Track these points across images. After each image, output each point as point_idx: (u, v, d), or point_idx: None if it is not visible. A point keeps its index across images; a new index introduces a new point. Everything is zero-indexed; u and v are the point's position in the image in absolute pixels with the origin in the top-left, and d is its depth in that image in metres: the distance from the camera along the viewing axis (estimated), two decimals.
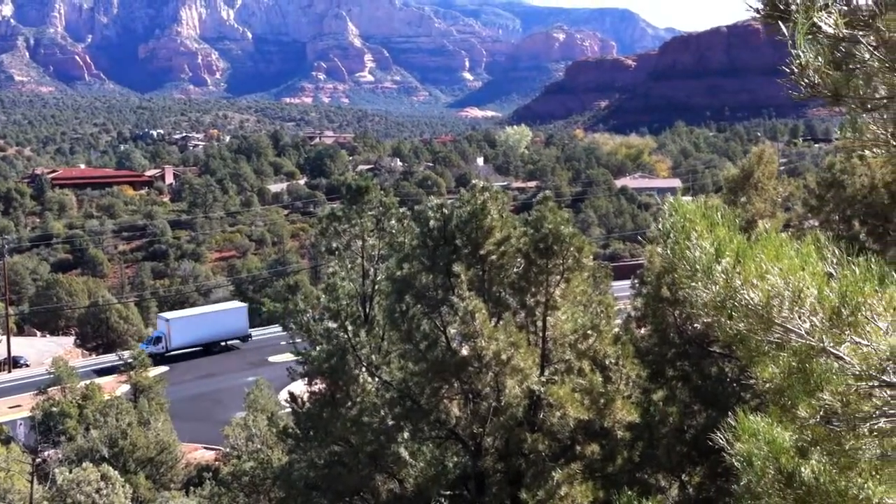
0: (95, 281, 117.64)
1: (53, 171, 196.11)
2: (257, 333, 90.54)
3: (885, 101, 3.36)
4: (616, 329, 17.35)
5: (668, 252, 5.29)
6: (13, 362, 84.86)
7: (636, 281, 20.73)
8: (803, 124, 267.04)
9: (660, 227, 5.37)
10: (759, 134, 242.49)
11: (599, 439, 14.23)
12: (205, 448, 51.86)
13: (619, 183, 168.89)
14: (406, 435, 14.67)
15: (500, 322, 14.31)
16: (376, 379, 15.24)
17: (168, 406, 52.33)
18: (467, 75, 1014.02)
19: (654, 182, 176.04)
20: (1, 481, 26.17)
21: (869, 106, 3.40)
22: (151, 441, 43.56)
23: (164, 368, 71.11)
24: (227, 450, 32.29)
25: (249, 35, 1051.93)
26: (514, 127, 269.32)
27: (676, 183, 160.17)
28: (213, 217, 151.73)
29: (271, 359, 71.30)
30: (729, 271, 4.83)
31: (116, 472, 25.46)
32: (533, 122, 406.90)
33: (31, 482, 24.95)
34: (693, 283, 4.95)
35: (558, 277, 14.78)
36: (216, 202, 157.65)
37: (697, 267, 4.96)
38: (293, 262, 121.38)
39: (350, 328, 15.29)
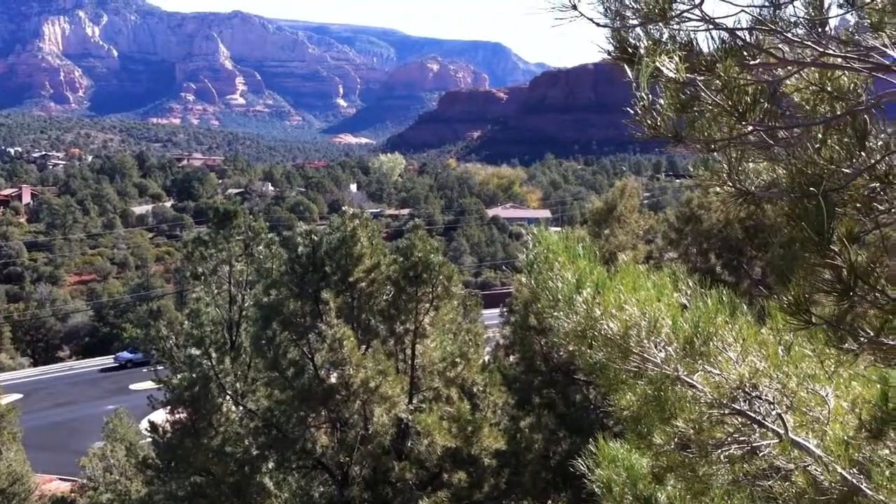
0: None
1: None
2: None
3: (725, 141, 3.54)
4: (486, 356, 17.56)
5: (533, 282, 5.41)
6: None
7: (505, 309, 21.04)
8: (665, 160, 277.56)
9: (525, 257, 5.49)
10: (624, 168, 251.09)
11: (467, 467, 14.32)
12: (60, 479, 49.52)
13: (490, 212, 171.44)
14: (271, 465, 14.40)
15: (369, 349, 14.27)
16: (241, 407, 14.92)
17: (22, 435, 49.75)
18: (341, 101, 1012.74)
19: (524, 212, 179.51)
20: None
21: (712, 147, 3.58)
22: (3, 471, 41.28)
23: (17, 395, 67.70)
24: (84, 481, 30.90)
25: (115, 53, 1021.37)
26: (388, 154, 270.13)
27: (546, 213, 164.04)
28: (73, 239, 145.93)
29: (132, 386, 68.91)
30: (589, 302, 4.97)
31: None
32: (407, 150, 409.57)
33: None
34: (555, 313, 5.07)
35: (427, 305, 14.87)
36: (76, 223, 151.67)
37: (559, 297, 5.08)
38: (158, 286, 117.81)
39: (214, 355, 14.93)
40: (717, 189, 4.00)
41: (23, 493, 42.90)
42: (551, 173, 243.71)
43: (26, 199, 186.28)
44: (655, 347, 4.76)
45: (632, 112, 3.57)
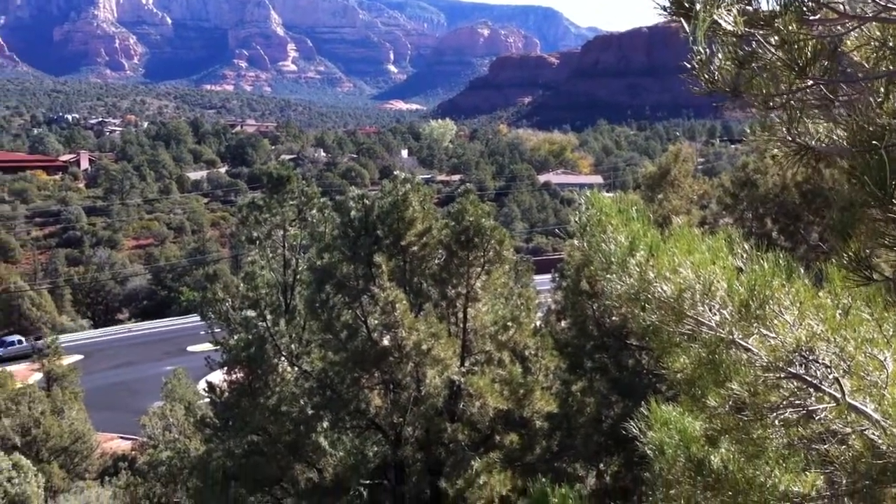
0: (7, 267, 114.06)
1: None
2: (175, 323, 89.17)
3: (784, 96, 3.50)
4: (537, 321, 17.59)
5: (585, 245, 5.40)
6: None
7: (556, 275, 21.01)
8: (720, 125, 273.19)
9: (577, 220, 5.48)
10: (678, 133, 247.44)
11: (518, 429, 14.42)
12: (121, 438, 50.89)
13: (541, 178, 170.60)
14: (325, 424, 14.64)
15: (421, 313, 14.39)
16: (296, 368, 15.17)
17: (83, 395, 51.15)
18: (392, 68, 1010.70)
19: (576, 178, 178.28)
20: None
21: (770, 103, 3.53)
22: (66, 430, 42.52)
23: (78, 357, 69.47)
24: (144, 440, 31.75)
25: (169, 20, 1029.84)
26: (439, 120, 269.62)
27: (598, 179, 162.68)
28: (131, 204, 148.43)
29: (190, 348, 70.28)
30: (643, 264, 4.96)
31: (29, 462, 24.83)
32: (457, 116, 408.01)
33: None
34: (608, 276, 5.07)
35: (479, 269, 14.91)
36: (133, 189, 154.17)
37: (612, 260, 5.07)
38: (213, 251, 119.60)
39: (269, 317, 15.17)
40: (776, 147, 3.96)
41: (85, 451, 44.19)
42: (603, 139, 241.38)
43: (84, 164, 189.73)
44: (710, 310, 4.73)
45: (689, 67, 3.53)
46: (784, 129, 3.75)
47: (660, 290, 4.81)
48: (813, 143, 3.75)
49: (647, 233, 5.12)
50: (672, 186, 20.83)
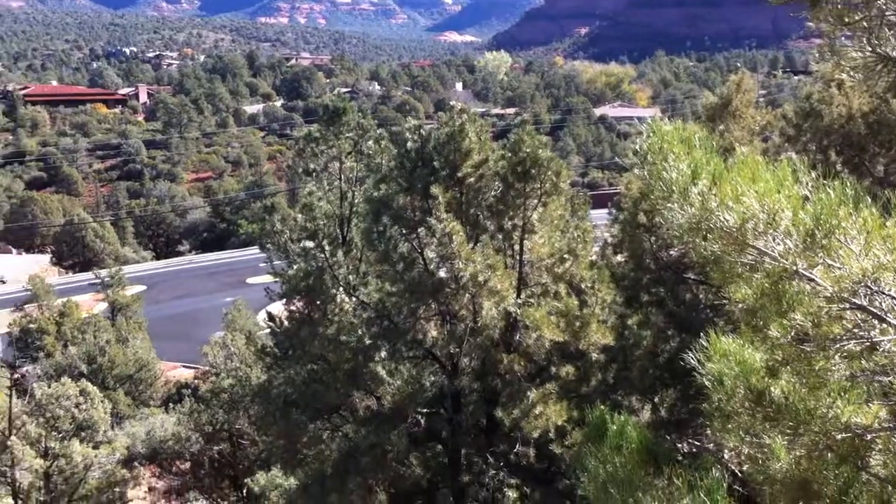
0: (70, 199, 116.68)
1: (25, 88, 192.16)
2: (235, 255, 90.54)
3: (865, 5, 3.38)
4: (593, 255, 17.51)
5: (646, 174, 5.34)
6: None
7: (613, 208, 20.83)
8: (783, 56, 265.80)
9: (638, 148, 5.41)
10: (738, 65, 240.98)
11: (574, 361, 14.48)
12: (183, 366, 52.27)
13: (598, 111, 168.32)
14: (383, 354, 14.85)
15: (478, 244, 14.41)
16: (353, 299, 15.35)
17: (146, 325, 52.55)
18: None
19: (633, 111, 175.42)
20: None
21: (846, 19, 3.43)
22: (130, 358, 43.82)
23: (142, 287, 71.13)
24: (206, 368, 32.57)
25: None
26: (494, 52, 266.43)
27: (655, 112, 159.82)
28: (189, 137, 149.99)
29: (249, 280, 71.50)
30: (705, 193, 4.89)
31: (95, 388, 25.66)
32: (512, 47, 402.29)
33: (10, 396, 25.09)
34: (669, 205, 5.01)
35: (536, 201, 14.84)
36: (191, 122, 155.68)
37: (674, 188, 5.01)
38: (270, 184, 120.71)
39: (327, 248, 15.32)
40: (846, 73, 3.84)
41: (149, 379, 45.52)
42: (662, 71, 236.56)
43: (143, 98, 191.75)
44: (773, 240, 4.67)
45: None
46: (864, 39, 3.62)
47: (722, 219, 4.75)
48: (894, 53, 3.62)
49: (709, 161, 5.04)
50: (733, 117, 20.38)
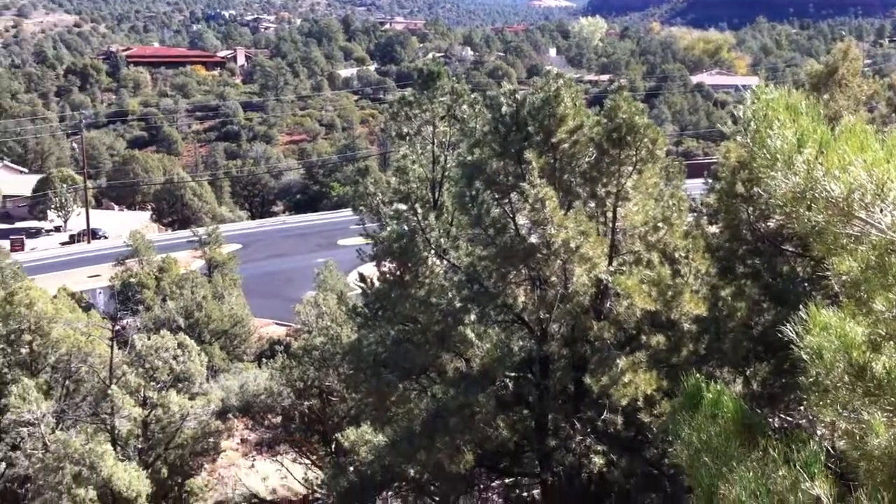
0: (170, 158, 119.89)
1: (128, 49, 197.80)
2: (326, 217, 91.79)
3: None
4: (687, 224, 17.23)
5: (749, 140, 5.25)
6: (92, 234, 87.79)
7: (709, 177, 20.44)
8: (890, 25, 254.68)
9: (741, 115, 5.32)
10: (843, 33, 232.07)
11: (665, 331, 14.35)
12: (276, 324, 53.48)
13: (694, 79, 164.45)
14: (473, 317, 14.96)
15: (570, 211, 14.35)
16: (444, 262, 15.48)
17: (241, 282, 53.85)
18: None
19: (731, 79, 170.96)
20: (83, 345, 27.43)
21: None
22: (225, 314, 45.08)
23: (237, 246, 72.79)
24: (298, 326, 33.29)
25: None
26: (589, 18, 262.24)
27: (755, 81, 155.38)
28: (284, 100, 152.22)
29: (340, 242, 72.47)
30: (811, 162, 4.79)
31: (192, 342, 26.49)
32: (608, 13, 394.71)
33: (112, 347, 26.11)
34: (772, 173, 4.92)
35: (630, 168, 14.68)
36: (287, 85, 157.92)
37: (778, 156, 4.92)
38: (362, 147, 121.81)
39: (420, 211, 15.45)
40: None
41: (243, 335, 46.74)
42: (762, 38, 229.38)
43: (241, 60, 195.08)
44: (881, 212, 4.55)
45: None
46: None
47: (828, 189, 4.65)
48: None
49: (816, 129, 4.93)
50: (839, 86, 19.71)
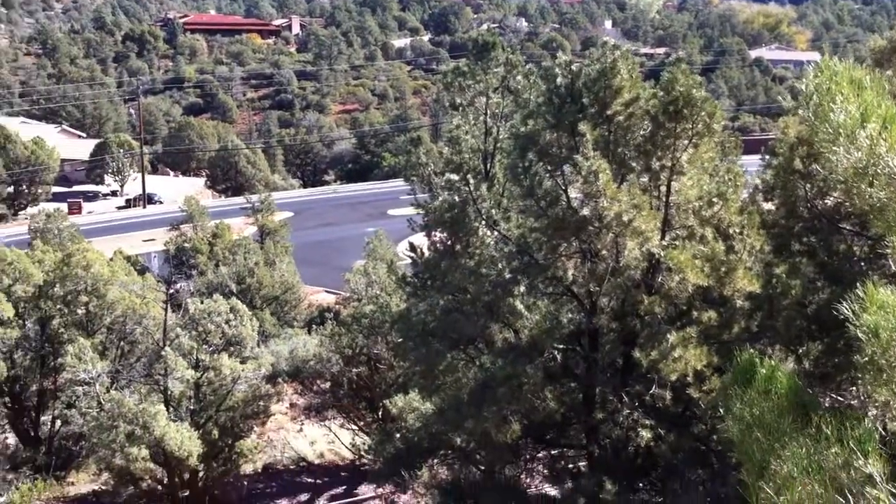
0: (225, 126, 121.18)
1: (185, 16, 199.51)
2: (377, 187, 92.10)
3: None
4: (742, 201, 17.01)
5: (810, 115, 5.17)
6: (148, 199, 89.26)
7: (766, 153, 20.12)
8: None
9: (803, 88, 5.24)
10: None
11: (717, 307, 14.22)
12: (326, 291, 54.04)
13: (753, 53, 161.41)
14: (522, 289, 14.97)
15: (624, 184, 14.24)
16: (495, 233, 15.48)
17: (292, 249, 54.43)
18: None
19: (791, 54, 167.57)
20: (138, 307, 28.01)
21: None
22: (277, 281, 45.66)
23: (289, 214, 73.46)
24: (347, 294, 33.57)
25: None
26: None
27: (816, 56, 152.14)
28: (338, 69, 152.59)
29: (390, 212, 72.75)
30: (874, 137, 4.72)
31: (244, 307, 26.85)
32: None
33: (165, 310, 26.59)
34: (834, 149, 4.86)
35: (686, 142, 14.50)
36: (341, 55, 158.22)
37: (840, 131, 4.85)
38: (414, 118, 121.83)
39: (472, 181, 15.44)
40: None
41: (293, 301, 47.31)
42: (824, 12, 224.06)
43: (295, 29, 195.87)
44: None
45: None
46: None
47: (891, 164, 4.58)
48: None
49: (880, 104, 4.85)
50: None
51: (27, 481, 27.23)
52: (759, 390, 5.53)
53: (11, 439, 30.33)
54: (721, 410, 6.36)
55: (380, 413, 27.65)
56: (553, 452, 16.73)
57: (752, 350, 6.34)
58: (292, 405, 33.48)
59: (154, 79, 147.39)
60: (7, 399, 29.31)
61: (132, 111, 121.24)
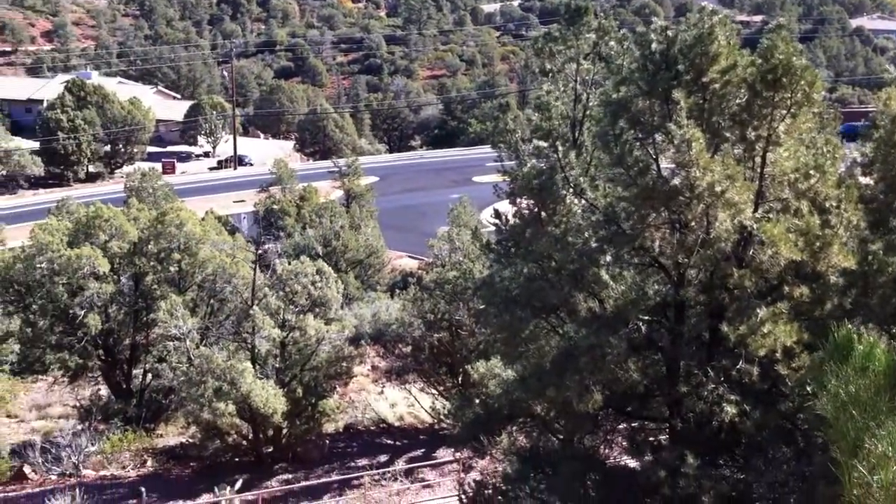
0: (314, 90, 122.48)
1: None
2: (462, 153, 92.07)
3: None
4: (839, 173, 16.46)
5: None
6: (238, 160, 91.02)
7: (866, 125, 19.41)
8: None
9: None
10: None
11: (810, 283, 13.82)
12: (409, 256, 54.49)
13: (854, 23, 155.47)
14: (608, 258, 14.78)
15: (717, 154, 13.89)
16: (582, 201, 15.28)
17: (377, 214, 54.93)
18: None
19: (894, 24, 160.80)
20: (228, 266, 28.65)
21: None
22: (361, 244, 46.20)
23: (375, 178, 74.04)
24: (431, 259, 33.76)
25: None
26: None
27: None
28: (427, 34, 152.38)
29: (475, 178, 72.71)
30: None
31: (330, 269, 27.24)
32: None
33: (254, 270, 27.13)
34: None
35: (784, 112, 14.05)
36: (430, 19, 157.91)
37: None
38: (501, 84, 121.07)
39: (560, 148, 15.26)
40: None
41: (377, 265, 47.83)
42: None
43: None
44: None
45: None
46: None
47: None
48: None
49: None
50: None
51: (118, 432, 28.26)
52: (855, 367, 5.36)
53: (104, 391, 31.48)
54: (811, 388, 6.18)
55: (459, 378, 27.81)
56: (633, 424, 16.55)
57: (849, 326, 6.14)
58: (374, 367, 33.95)
59: (247, 41, 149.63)
60: (101, 352, 30.38)
61: (225, 73, 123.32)
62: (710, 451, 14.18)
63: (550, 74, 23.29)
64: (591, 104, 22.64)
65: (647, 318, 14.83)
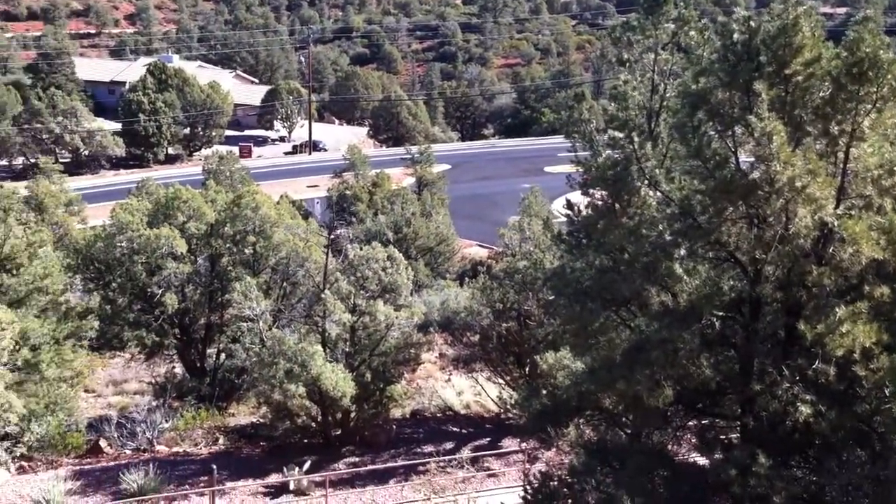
0: (389, 76, 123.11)
1: None
2: (535, 143, 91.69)
3: None
4: None
5: None
6: (313, 146, 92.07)
7: None
8: None
9: None
10: None
11: (891, 282, 13.44)
12: (479, 245, 54.53)
13: None
14: (682, 252, 14.57)
15: (799, 148, 13.57)
16: (658, 193, 15.07)
17: (448, 202, 55.05)
18: None
19: None
20: (301, 250, 29.02)
21: None
22: (432, 232, 46.37)
23: (447, 166, 74.19)
24: (501, 249, 33.71)
25: None
26: None
27: None
28: (502, 23, 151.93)
29: (547, 169, 72.37)
30: None
31: (400, 255, 27.38)
32: None
33: (326, 254, 27.42)
34: None
35: (869, 107, 13.65)
36: (506, 8, 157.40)
37: None
38: (576, 74, 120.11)
39: (636, 139, 15.06)
40: None
41: (447, 253, 47.93)
42: None
43: None
44: None
45: None
46: None
47: None
48: None
49: None
50: None
51: (192, 410, 28.90)
52: None
53: (179, 369, 32.23)
54: (889, 390, 6.02)
55: (527, 369, 27.74)
56: (704, 421, 16.31)
57: None
58: (441, 355, 34.09)
59: (324, 27, 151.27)
60: (177, 331, 31.10)
61: (302, 59, 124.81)
62: (783, 451, 13.91)
63: (628, 64, 22.99)
64: (668, 95, 22.31)
65: (721, 313, 14.59)
